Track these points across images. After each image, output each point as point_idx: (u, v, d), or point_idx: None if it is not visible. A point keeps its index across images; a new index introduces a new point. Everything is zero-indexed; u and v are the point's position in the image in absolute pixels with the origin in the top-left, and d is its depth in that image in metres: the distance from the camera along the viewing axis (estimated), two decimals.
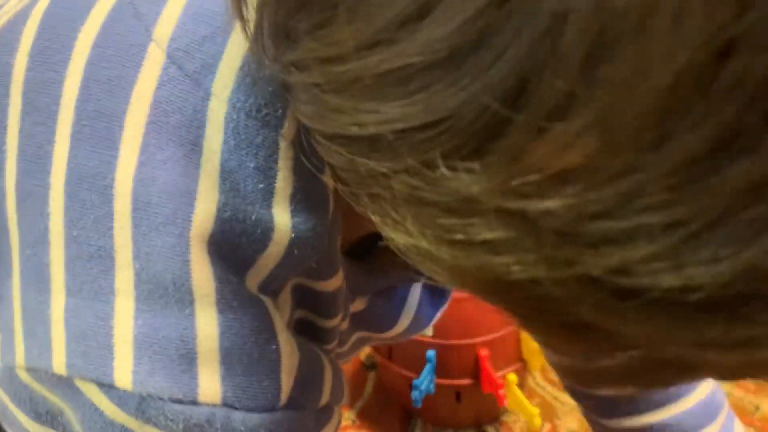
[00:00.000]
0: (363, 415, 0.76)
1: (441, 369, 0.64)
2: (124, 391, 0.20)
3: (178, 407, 0.21)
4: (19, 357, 0.22)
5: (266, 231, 0.21)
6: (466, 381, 0.65)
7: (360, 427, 0.75)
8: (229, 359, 0.22)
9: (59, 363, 0.21)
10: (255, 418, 0.22)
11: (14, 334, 0.22)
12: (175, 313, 0.21)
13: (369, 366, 0.82)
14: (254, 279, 0.22)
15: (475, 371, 0.65)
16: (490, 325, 0.64)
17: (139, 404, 0.21)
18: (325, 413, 0.26)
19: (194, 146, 0.21)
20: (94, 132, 0.21)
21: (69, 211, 0.21)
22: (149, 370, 0.21)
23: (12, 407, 0.24)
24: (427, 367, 0.63)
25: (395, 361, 0.67)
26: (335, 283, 0.27)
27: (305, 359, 0.24)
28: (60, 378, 0.21)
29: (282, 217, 0.21)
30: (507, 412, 0.73)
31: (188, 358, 0.21)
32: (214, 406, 0.21)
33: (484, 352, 0.63)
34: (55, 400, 0.23)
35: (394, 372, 0.68)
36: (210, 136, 0.21)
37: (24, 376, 0.22)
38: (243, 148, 0.21)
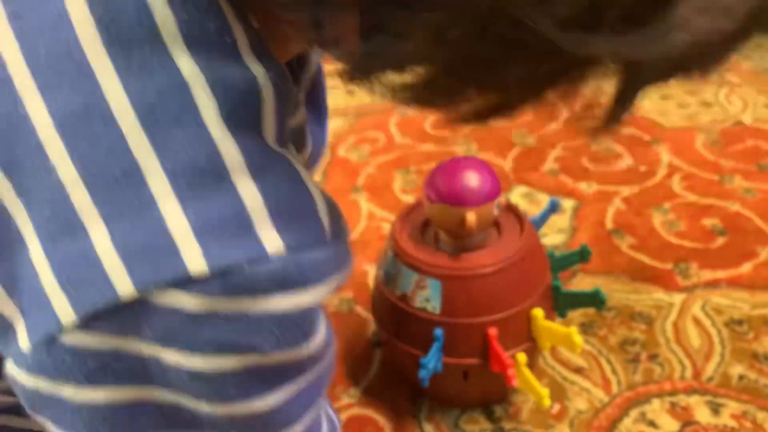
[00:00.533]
0: (368, 393, 0.75)
1: (449, 348, 0.63)
2: (204, 276, 0.22)
3: (256, 268, 0.22)
4: (66, 317, 0.22)
5: (252, 82, 0.23)
6: (474, 360, 0.63)
7: (365, 405, 0.73)
8: (277, 213, 0.23)
9: (126, 287, 0.21)
10: (319, 254, 0.25)
11: (51, 299, 0.22)
12: (218, 192, 0.22)
13: (375, 343, 0.81)
14: (269, 134, 0.24)
15: (484, 350, 0.63)
16: (500, 304, 0.62)
17: (223, 281, 0.22)
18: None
19: (154, 40, 0.22)
20: (62, 72, 0.21)
21: (75, 153, 0.21)
22: (218, 248, 0.22)
23: (51, 386, 0.24)
24: (435, 346, 0.61)
25: (402, 339, 0.65)
26: (302, 115, 0.30)
27: (322, 194, 0.27)
28: (125, 307, 0.22)
29: (255, 66, 0.24)
30: (515, 392, 0.71)
31: (245, 225, 0.23)
32: (282, 255, 0.23)
33: (492, 332, 0.62)
34: (113, 344, 0.23)
35: (400, 350, 0.66)
36: (162, 23, 0.22)
37: (72, 338, 0.22)
38: (196, 20, 0.23)
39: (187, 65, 0.22)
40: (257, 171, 0.23)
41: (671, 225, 0.96)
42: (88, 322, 0.22)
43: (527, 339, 0.65)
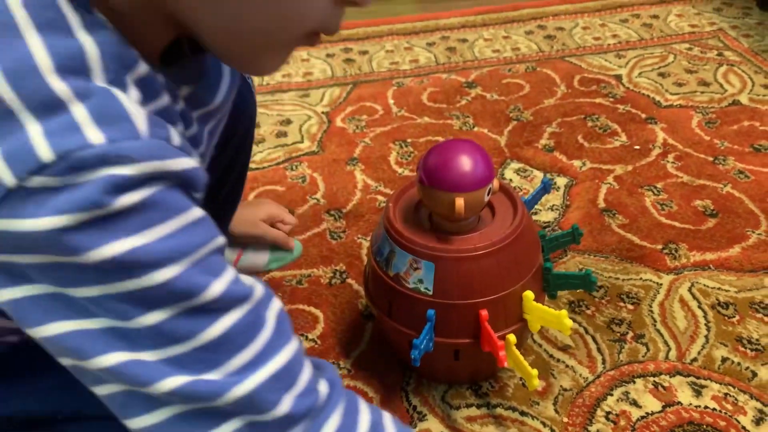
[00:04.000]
0: (358, 365, 0.76)
1: (440, 328, 0.64)
2: (52, 162, 0.32)
3: (85, 152, 0.32)
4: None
5: (80, 47, 0.33)
6: (465, 340, 0.65)
7: (355, 377, 0.75)
8: (98, 120, 0.34)
9: (10, 179, 0.32)
10: (130, 143, 0.33)
11: None
12: (60, 111, 0.32)
13: (367, 316, 0.82)
14: (97, 78, 0.34)
15: (475, 331, 0.64)
16: (491, 286, 0.63)
17: (64, 163, 0.32)
18: None
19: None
20: None
21: None
22: (58, 143, 0.32)
23: None
24: (427, 326, 0.62)
25: (394, 318, 0.66)
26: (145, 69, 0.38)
27: (144, 112, 0.36)
28: (10, 193, 0.32)
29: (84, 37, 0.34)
30: (503, 368, 0.73)
31: (77, 128, 0.33)
32: (102, 143, 0.33)
33: (484, 313, 0.63)
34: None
35: (392, 328, 0.67)
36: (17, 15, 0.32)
37: None
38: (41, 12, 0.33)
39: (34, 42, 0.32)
40: (82, 98, 0.33)
41: (663, 205, 0.97)
42: None
43: (518, 320, 0.66)
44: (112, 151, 0.32)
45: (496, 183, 0.64)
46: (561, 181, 1.03)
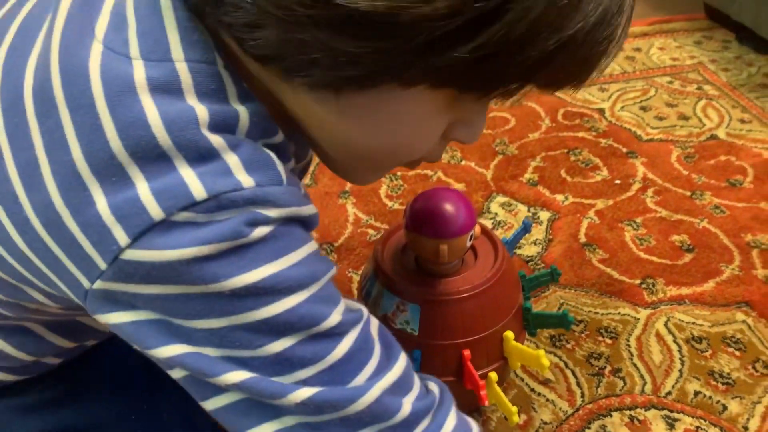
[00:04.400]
0: None
1: (425, 366, 0.67)
2: (203, 199, 0.35)
3: (236, 194, 0.36)
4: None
5: (234, 113, 0.37)
6: (449, 378, 0.68)
7: None
8: (248, 167, 0.37)
9: (157, 212, 0.35)
10: (278, 189, 0.38)
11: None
12: (217, 161, 0.36)
13: None
14: (246, 138, 0.38)
15: (458, 369, 0.68)
16: (474, 327, 0.67)
17: (216, 202, 0.35)
18: None
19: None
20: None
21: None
22: (211, 184, 0.36)
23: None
24: (413, 367, 0.66)
25: None
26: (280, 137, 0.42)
27: (285, 170, 0.40)
28: (158, 224, 0.35)
29: (238, 106, 0.38)
30: None
31: (229, 172, 0.36)
32: (252, 187, 0.36)
33: (467, 353, 0.66)
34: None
35: None
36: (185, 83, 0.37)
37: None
38: (204, 82, 0.37)
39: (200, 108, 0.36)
40: (234, 148, 0.36)
41: (641, 240, 1.01)
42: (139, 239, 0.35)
43: (499, 358, 0.69)
44: (260, 194, 0.35)
45: (477, 229, 0.68)
46: (544, 215, 1.07)
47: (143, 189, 0.34)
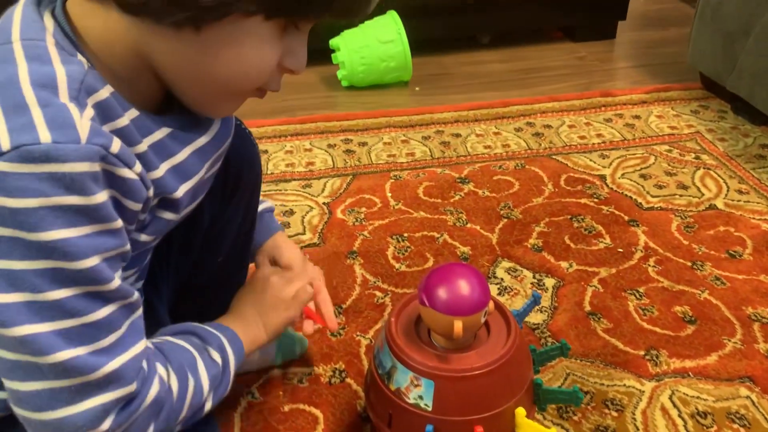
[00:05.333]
0: None
1: None
2: (7, 150, 0.44)
3: (33, 147, 0.45)
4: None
5: (52, 73, 0.47)
6: None
7: None
8: (51, 125, 0.45)
9: None
10: (71, 146, 0.45)
11: None
12: (19, 116, 0.45)
13: (365, 418, 0.86)
14: (63, 96, 0.46)
15: None
16: (487, 403, 0.68)
17: (16, 152, 0.44)
18: None
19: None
20: None
21: None
22: (15, 137, 0.45)
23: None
24: None
25: (395, 431, 0.71)
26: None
27: (98, 128, 0.49)
28: None
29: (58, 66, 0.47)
30: None
31: (33, 128, 0.45)
32: (48, 143, 0.44)
33: (479, 429, 0.67)
34: None
35: None
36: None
37: None
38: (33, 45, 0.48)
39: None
40: (43, 108, 0.44)
41: (644, 310, 1.03)
42: None
43: None
44: (53, 150, 0.43)
45: (491, 305, 0.70)
46: (549, 282, 1.09)
47: None
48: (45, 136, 0.43)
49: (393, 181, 1.39)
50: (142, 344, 0.53)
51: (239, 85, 0.53)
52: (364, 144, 1.53)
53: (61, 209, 0.45)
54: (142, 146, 0.52)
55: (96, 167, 0.46)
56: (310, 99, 1.76)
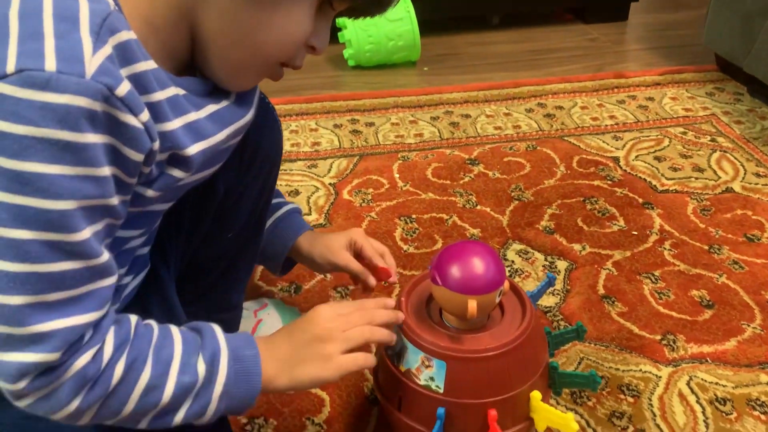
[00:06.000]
0: None
1: (449, 425, 0.65)
2: (11, 73, 0.42)
3: (36, 72, 0.43)
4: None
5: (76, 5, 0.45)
6: None
7: None
8: (59, 57, 0.43)
9: None
10: (73, 78, 0.43)
11: None
12: (32, 42, 0.43)
13: (372, 400, 0.83)
14: (84, 30, 0.44)
15: (483, 428, 0.66)
16: (501, 386, 0.65)
17: (18, 76, 0.42)
18: None
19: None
20: None
21: None
22: (21, 62, 0.43)
23: None
24: (437, 425, 0.64)
25: (404, 413, 0.68)
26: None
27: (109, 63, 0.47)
28: None
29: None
30: None
31: (41, 56, 0.43)
32: (53, 71, 0.42)
33: (493, 413, 0.64)
34: None
35: (401, 422, 0.69)
36: None
37: None
38: None
39: None
40: (57, 38, 0.43)
41: (660, 294, 1.00)
42: None
43: (525, 418, 0.68)
44: (54, 79, 0.42)
45: (506, 285, 0.67)
46: (561, 264, 1.06)
47: None
48: (50, 64, 0.42)
49: (401, 161, 1.35)
50: (94, 316, 0.49)
51: (272, 53, 0.55)
52: (371, 124, 1.50)
53: (48, 142, 0.42)
54: (158, 96, 0.49)
55: (96, 106, 0.43)
56: (315, 78, 1.72)
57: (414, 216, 1.19)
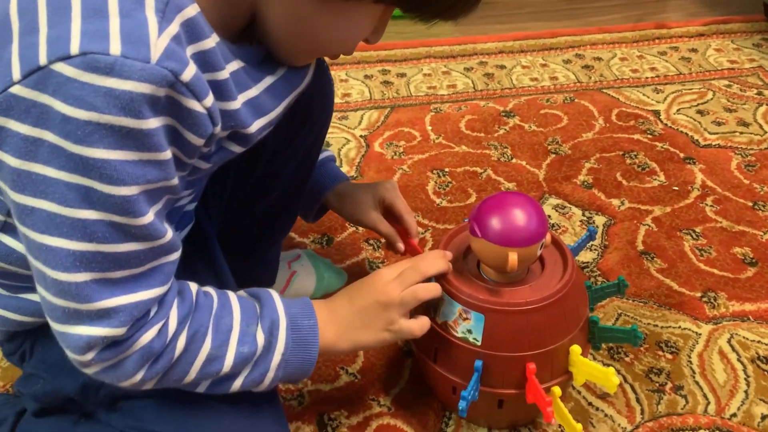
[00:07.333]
0: (398, 403, 0.77)
1: (486, 378, 0.65)
2: (76, 55, 0.40)
3: (102, 56, 0.40)
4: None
5: None
6: (510, 390, 0.65)
7: (395, 416, 0.76)
8: (125, 39, 0.41)
9: (43, 58, 0.40)
10: (137, 64, 0.41)
11: None
12: (100, 19, 0.41)
13: (406, 352, 0.83)
14: (150, 13, 0.42)
15: (521, 381, 0.65)
16: (540, 340, 0.64)
17: (83, 58, 0.40)
18: None
19: None
20: None
21: None
22: (86, 44, 0.40)
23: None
24: (474, 377, 0.63)
25: (440, 364, 0.67)
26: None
27: (176, 48, 0.45)
28: (41, 69, 0.41)
29: None
30: None
31: (105, 38, 0.41)
32: (117, 55, 0.40)
33: (531, 366, 0.63)
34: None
35: (436, 373, 0.68)
36: None
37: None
38: None
39: None
40: (122, 17, 0.41)
41: (701, 251, 0.97)
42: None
43: (563, 372, 0.67)
44: (119, 64, 0.40)
45: (548, 237, 0.65)
46: (599, 219, 1.04)
47: (43, 35, 0.40)
48: (116, 47, 0.40)
49: (433, 114, 1.32)
50: (158, 291, 0.49)
51: (332, 49, 0.56)
52: (402, 75, 1.46)
53: (111, 129, 0.41)
54: (224, 73, 0.47)
55: (160, 92, 0.42)
56: None
57: (447, 169, 1.16)
